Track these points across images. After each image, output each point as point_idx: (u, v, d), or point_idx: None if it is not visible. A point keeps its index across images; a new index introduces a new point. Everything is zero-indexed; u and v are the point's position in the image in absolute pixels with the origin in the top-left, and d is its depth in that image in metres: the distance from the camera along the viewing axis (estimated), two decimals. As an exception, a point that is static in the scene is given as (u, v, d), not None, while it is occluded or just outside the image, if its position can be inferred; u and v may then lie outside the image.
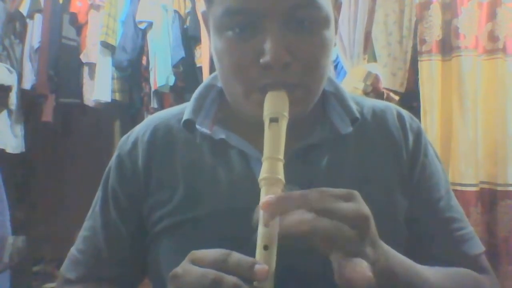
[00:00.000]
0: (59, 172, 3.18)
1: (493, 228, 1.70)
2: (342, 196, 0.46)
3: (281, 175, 0.50)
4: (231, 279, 0.43)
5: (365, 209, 0.47)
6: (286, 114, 0.55)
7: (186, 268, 0.46)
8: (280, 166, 0.51)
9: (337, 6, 0.65)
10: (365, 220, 0.46)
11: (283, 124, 0.54)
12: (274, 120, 0.54)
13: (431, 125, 1.79)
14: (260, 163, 0.51)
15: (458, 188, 1.71)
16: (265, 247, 0.45)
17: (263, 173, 0.50)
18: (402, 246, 0.63)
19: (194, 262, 0.46)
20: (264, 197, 0.47)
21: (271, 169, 0.50)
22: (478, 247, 0.69)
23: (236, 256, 0.45)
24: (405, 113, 0.72)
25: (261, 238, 0.46)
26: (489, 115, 1.73)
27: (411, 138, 0.69)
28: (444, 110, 1.78)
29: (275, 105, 0.55)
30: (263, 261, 0.45)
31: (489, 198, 1.72)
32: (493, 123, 1.73)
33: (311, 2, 0.57)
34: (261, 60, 0.56)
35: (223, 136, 0.65)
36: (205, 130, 0.66)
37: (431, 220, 0.68)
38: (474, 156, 1.71)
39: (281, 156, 0.51)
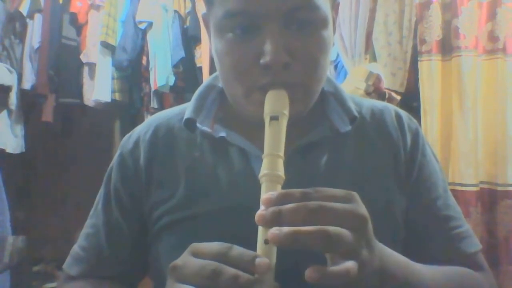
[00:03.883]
0: (59, 172, 3.18)
1: (493, 228, 1.70)
2: (340, 196, 0.46)
3: (281, 172, 0.51)
4: (230, 270, 0.43)
5: (363, 210, 0.47)
6: (287, 112, 0.56)
7: (186, 260, 0.46)
8: (280, 162, 0.51)
9: (335, 6, 0.65)
10: (362, 221, 0.46)
11: (283, 122, 0.55)
12: (274, 118, 0.55)
13: (431, 125, 1.78)
14: (260, 161, 0.52)
15: (458, 188, 1.70)
16: (266, 241, 0.45)
17: (263, 170, 0.51)
18: (400, 244, 0.63)
19: (195, 254, 0.46)
20: (265, 194, 0.47)
21: (271, 166, 0.51)
22: (475, 245, 0.69)
23: (237, 250, 0.45)
24: (403, 113, 0.73)
25: (261, 233, 0.46)
26: (489, 115, 1.73)
27: (409, 138, 0.69)
28: (444, 110, 1.78)
29: (275, 104, 0.56)
30: (263, 255, 0.45)
31: (489, 198, 1.72)
32: (493, 123, 1.73)
33: (310, 4, 0.57)
34: (261, 61, 0.57)
35: (223, 134, 0.66)
36: (205, 128, 0.67)
37: (429, 219, 0.68)
38: (474, 156, 1.70)
39: (281, 153, 0.52)
